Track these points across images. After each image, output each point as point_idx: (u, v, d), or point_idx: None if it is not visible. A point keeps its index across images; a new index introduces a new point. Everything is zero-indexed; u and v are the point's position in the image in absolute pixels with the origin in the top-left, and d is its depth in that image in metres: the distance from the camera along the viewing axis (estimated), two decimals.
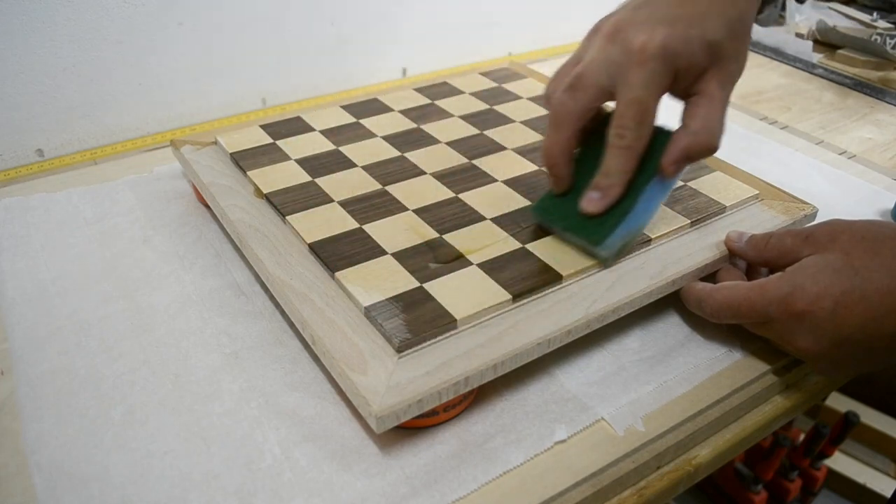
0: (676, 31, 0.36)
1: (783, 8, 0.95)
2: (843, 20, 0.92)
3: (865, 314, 0.35)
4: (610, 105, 0.39)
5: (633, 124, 0.37)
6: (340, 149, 0.52)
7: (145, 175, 0.57)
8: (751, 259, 0.42)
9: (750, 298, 0.38)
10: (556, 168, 0.41)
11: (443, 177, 0.49)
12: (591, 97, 0.38)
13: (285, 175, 0.48)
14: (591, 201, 0.40)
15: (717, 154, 0.52)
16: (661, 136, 0.39)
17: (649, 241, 0.43)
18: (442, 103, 0.59)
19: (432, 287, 0.38)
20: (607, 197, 0.39)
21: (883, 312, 0.35)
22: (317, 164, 0.50)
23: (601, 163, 0.39)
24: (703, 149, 0.39)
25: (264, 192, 0.46)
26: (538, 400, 0.38)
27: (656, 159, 0.39)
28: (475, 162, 0.51)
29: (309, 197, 0.46)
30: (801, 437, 1.05)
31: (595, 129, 0.41)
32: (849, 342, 0.36)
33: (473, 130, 0.55)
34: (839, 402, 1.14)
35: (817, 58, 0.84)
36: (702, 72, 0.38)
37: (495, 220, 0.44)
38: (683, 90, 0.39)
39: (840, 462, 1.12)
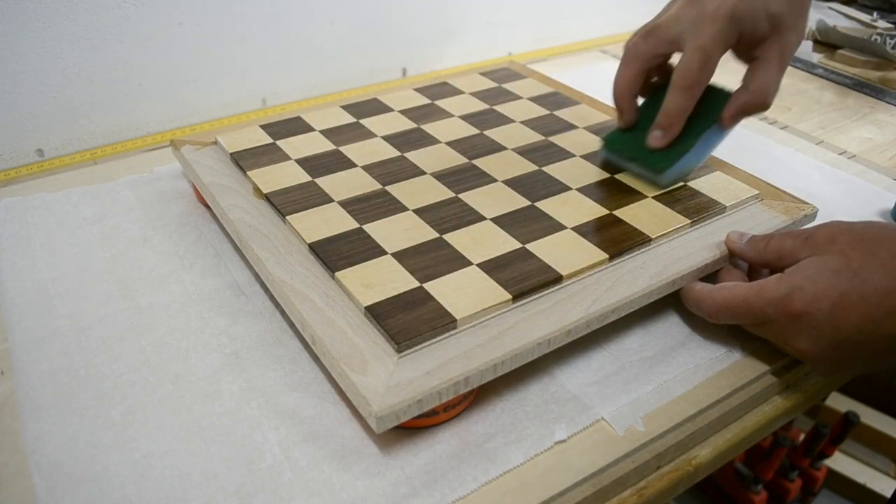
0: (746, 2, 0.42)
1: None
2: (843, 20, 0.92)
3: (864, 316, 0.35)
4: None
5: (695, 67, 0.43)
6: (340, 149, 0.52)
7: (145, 175, 0.57)
8: (751, 260, 0.42)
9: (748, 299, 0.38)
10: (621, 101, 0.48)
11: (443, 177, 0.49)
12: (661, 43, 0.45)
13: (285, 175, 0.48)
14: (656, 138, 0.46)
15: (717, 154, 0.52)
16: (721, 94, 0.46)
17: (649, 241, 0.43)
18: (442, 103, 0.59)
19: (432, 287, 0.38)
20: (669, 134, 0.46)
21: (881, 314, 0.35)
22: (317, 164, 0.50)
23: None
24: (758, 105, 0.45)
25: (264, 192, 0.46)
26: (538, 400, 0.38)
27: (715, 112, 0.46)
28: (475, 162, 0.51)
29: (309, 197, 0.46)
30: (801, 437, 1.05)
31: (661, 85, 0.47)
32: (847, 343, 0.36)
33: (473, 130, 0.55)
34: (839, 402, 1.14)
35: (817, 58, 0.84)
36: (762, 39, 0.44)
37: (495, 220, 0.44)
38: (746, 54, 0.45)
39: (840, 462, 1.12)
